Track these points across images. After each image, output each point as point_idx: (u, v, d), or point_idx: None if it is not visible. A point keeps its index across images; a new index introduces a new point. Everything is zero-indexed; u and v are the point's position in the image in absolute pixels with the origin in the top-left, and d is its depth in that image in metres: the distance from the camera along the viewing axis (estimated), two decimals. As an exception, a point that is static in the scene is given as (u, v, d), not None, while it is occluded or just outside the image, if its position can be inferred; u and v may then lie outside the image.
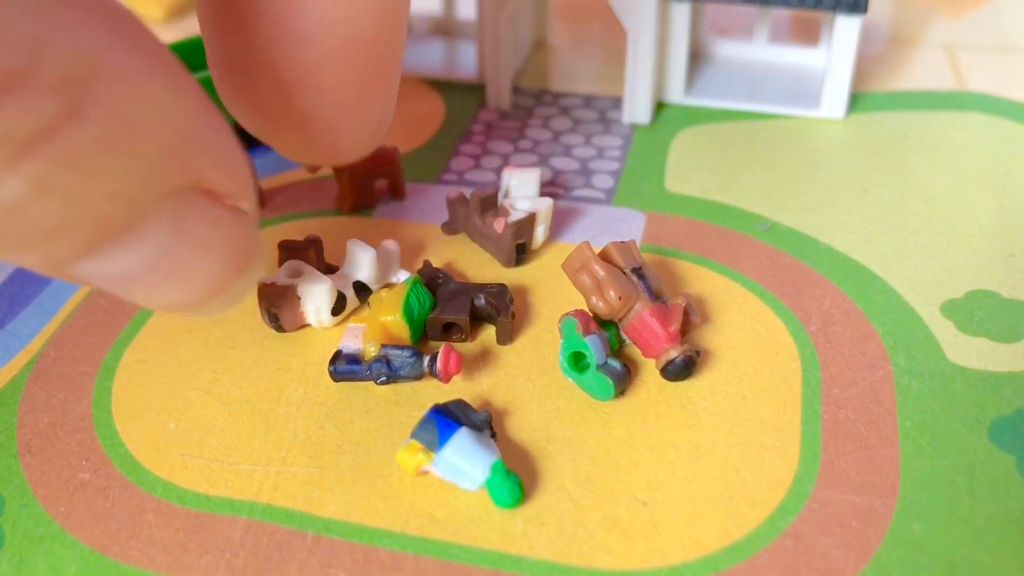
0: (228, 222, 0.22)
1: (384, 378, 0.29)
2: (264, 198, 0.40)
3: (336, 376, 0.30)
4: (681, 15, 0.44)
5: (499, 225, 0.34)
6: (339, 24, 0.24)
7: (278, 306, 0.32)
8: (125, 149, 0.19)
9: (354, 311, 0.33)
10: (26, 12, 0.17)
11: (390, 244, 0.34)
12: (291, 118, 0.25)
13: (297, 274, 0.33)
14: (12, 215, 0.18)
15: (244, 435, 0.29)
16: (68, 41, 0.18)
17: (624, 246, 0.32)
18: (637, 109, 0.45)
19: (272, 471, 0.28)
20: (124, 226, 0.20)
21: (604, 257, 0.31)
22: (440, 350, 0.29)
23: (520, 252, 0.35)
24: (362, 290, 0.33)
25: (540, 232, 0.35)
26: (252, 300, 0.35)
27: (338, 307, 0.32)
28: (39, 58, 0.17)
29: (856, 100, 0.47)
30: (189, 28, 0.56)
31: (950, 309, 0.33)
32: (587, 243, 0.31)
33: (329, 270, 0.33)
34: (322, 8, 0.24)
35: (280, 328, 0.32)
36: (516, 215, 0.35)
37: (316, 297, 0.32)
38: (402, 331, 0.30)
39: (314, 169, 0.38)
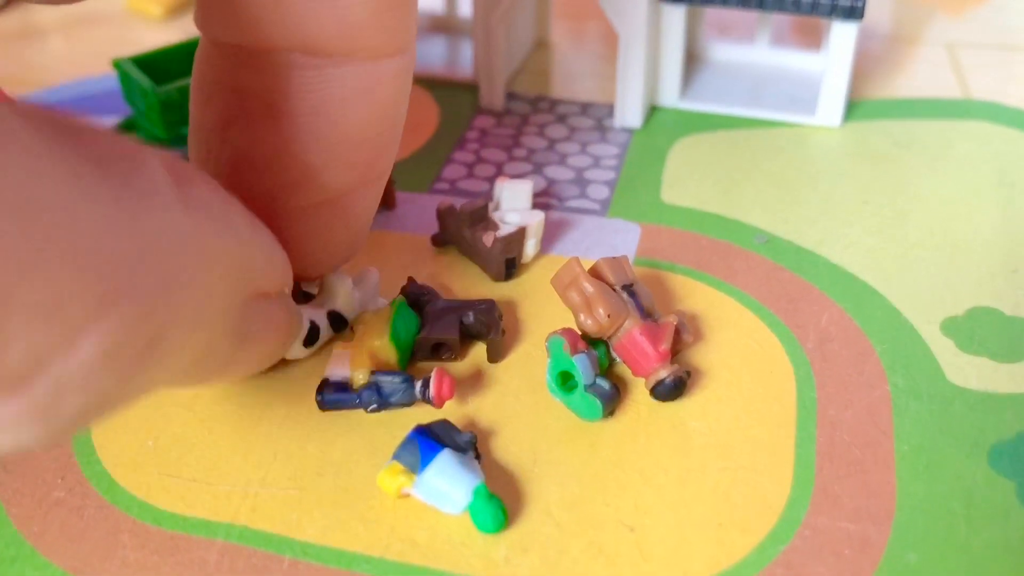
0: (276, 311, 0.25)
1: (375, 406, 0.29)
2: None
3: (324, 406, 0.29)
4: (675, 17, 0.43)
5: (488, 239, 0.33)
6: (352, 127, 0.27)
7: None
8: (196, 327, 0.20)
9: (329, 342, 0.32)
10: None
11: (371, 273, 0.33)
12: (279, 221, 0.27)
13: None
14: (112, 406, 0.18)
15: (224, 454, 0.29)
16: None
17: (615, 262, 0.31)
18: (628, 113, 0.44)
19: (251, 492, 0.27)
20: (211, 352, 0.22)
21: (594, 273, 0.31)
22: (432, 374, 0.29)
23: (510, 267, 0.34)
24: (337, 321, 0.31)
25: (530, 246, 0.35)
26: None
27: (310, 338, 0.31)
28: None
29: (857, 107, 0.46)
30: (188, 27, 0.55)
31: (951, 327, 0.32)
32: (576, 259, 0.30)
33: (304, 298, 0.32)
34: (339, 111, 0.26)
35: None
36: (506, 229, 0.34)
37: None
38: (390, 356, 0.30)
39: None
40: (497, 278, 0.34)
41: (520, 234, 0.34)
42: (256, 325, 0.24)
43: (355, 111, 0.26)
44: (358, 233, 0.30)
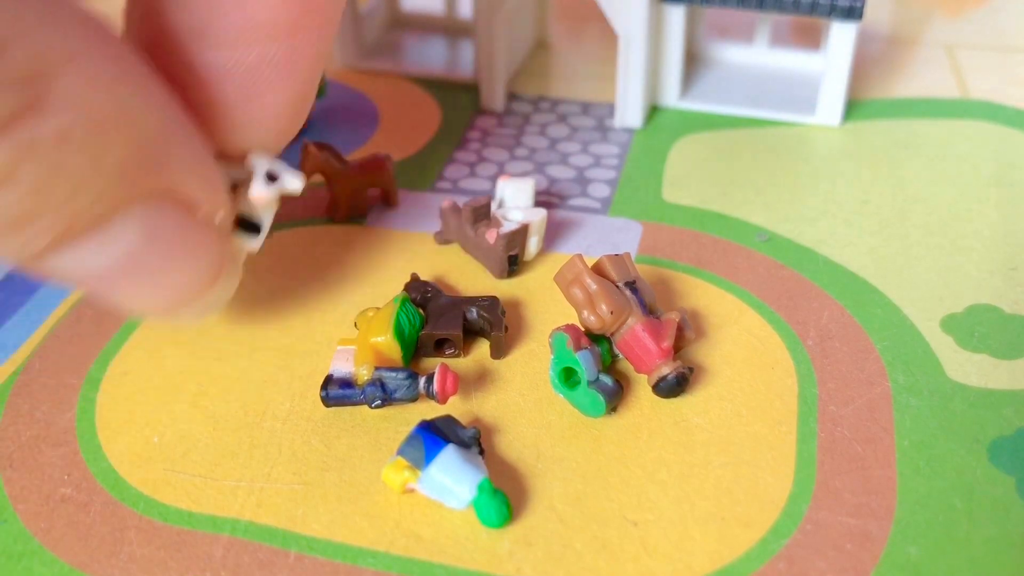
0: (200, 232, 0.23)
1: (379, 402, 0.29)
2: (256, 206, 0.39)
3: (328, 402, 0.29)
4: (675, 18, 0.44)
5: (491, 236, 0.34)
6: None
7: None
8: (89, 146, 0.20)
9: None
10: None
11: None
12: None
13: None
14: None
15: (229, 450, 0.29)
16: (29, 40, 0.18)
17: (618, 259, 0.31)
18: (629, 113, 0.44)
19: (256, 487, 0.28)
20: (92, 222, 0.21)
21: (597, 270, 0.31)
22: (436, 370, 0.29)
23: (512, 264, 0.34)
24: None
25: (533, 244, 0.35)
26: (239, 310, 0.34)
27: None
28: (3, 50, 0.18)
29: (857, 106, 0.46)
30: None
31: (950, 324, 0.33)
32: (580, 255, 0.30)
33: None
34: None
35: None
36: (509, 226, 0.34)
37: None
38: (393, 352, 0.30)
39: (304, 176, 0.38)
40: (500, 275, 0.35)
41: (523, 231, 0.34)
42: (168, 229, 0.22)
43: None
44: (302, 93, 0.25)
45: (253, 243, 0.26)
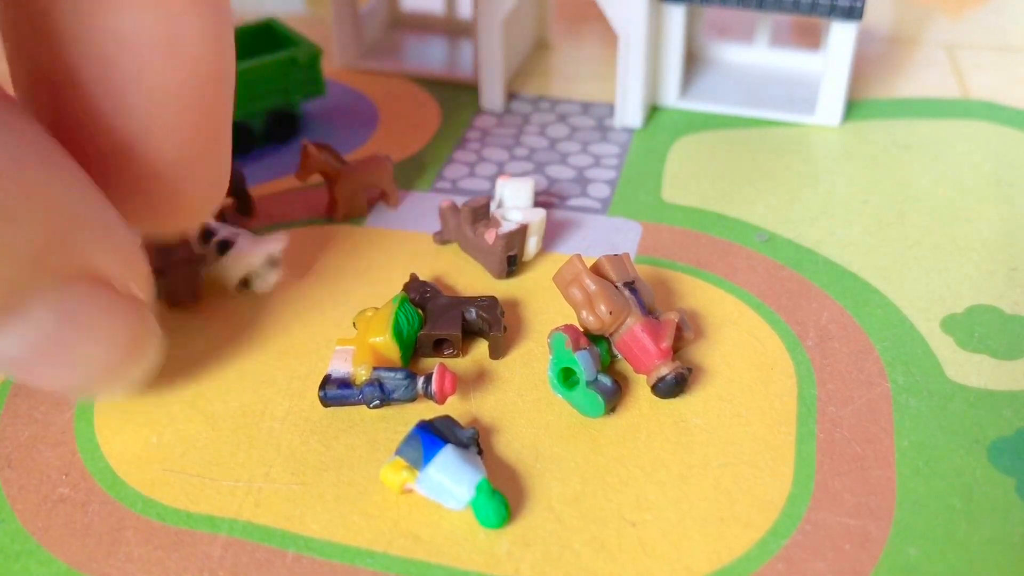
0: (119, 308, 0.22)
1: (377, 402, 0.29)
2: (253, 206, 0.39)
3: (327, 402, 0.29)
4: (675, 17, 0.44)
5: (490, 236, 0.34)
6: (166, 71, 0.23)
7: None
8: None
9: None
10: None
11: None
12: (121, 171, 0.24)
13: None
14: None
15: (227, 450, 0.29)
16: None
17: (617, 259, 0.31)
18: (629, 113, 0.44)
19: (254, 487, 0.28)
20: (4, 310, 0.20)
21: (596, 271, 0.31)
22: (435, 371, 0.29)
23: (511, 264, 0.34)
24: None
25: (532, 244, 0.35)
26: (237, 311, 0.34)
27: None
28: None
29: (857, 107, 0.46)
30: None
31: (950, 324, 0.33)
32: (578, 256, 0.30)
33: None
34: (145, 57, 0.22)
35: None
36: (508, 226, 0.34)
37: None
38: (392, 352, 0.30)
39: (303, 176, 0.38)
40: (499, 275, 0.35)
41: (522, 231, 0.34)
42: (84, 309, 0.21)
43: (155, 68, 0.22)
44: (211, 193, 0.26)
45: (263, 288, 0.31)
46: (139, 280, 0.23)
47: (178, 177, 0.24)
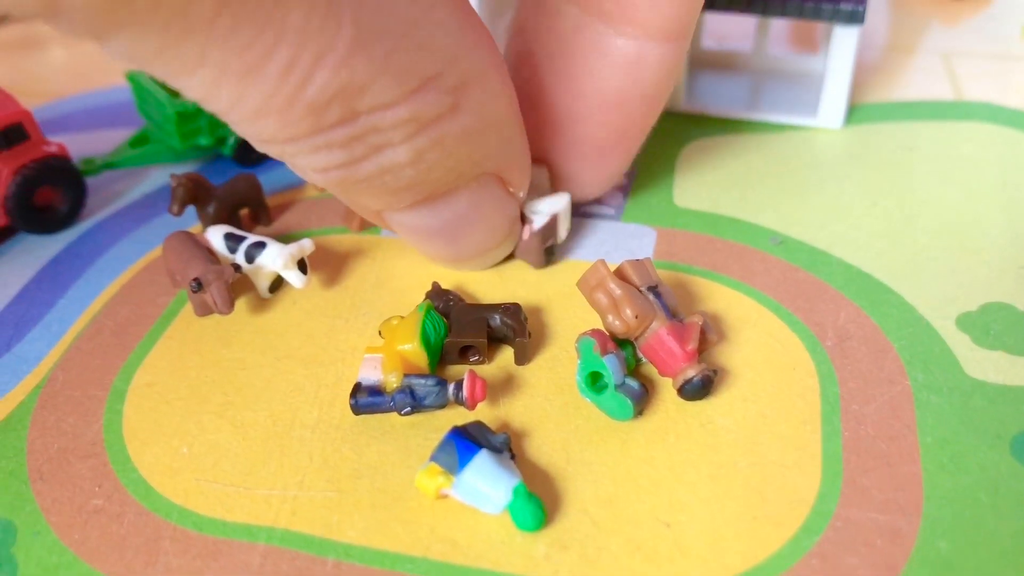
0: (508, 205, 0.31)
1: (408, 409, 0.29)
2: (270, 215, 0.39)
3: (358, 409, 0.29)
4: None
5: (525, 233, 0.35)
6: (614, 106, 0.33)
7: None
8: (473, 142, 0.27)
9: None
10: (448, 35, 0.25)
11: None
12: (563, 158, 0.35)
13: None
14: (390, 172, 0.26)
15: (259, 459, 0.29)
16: (466, 57, 0.26)
17: (639, 264, 0.31)
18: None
19: (289, 496, 0.28)
20: (444, 193, 0.28)
21: (619, 275, 0.31)
22: (465, 376, 0.29)
23: (549, 254, 0.36)
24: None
25: (563, 230, 0.36)
26: (260, 320, 0.34)
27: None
28: (449, 67, 0.25)
29: (859, 111, 0.47)
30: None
31: (965, 322, 0.33)
32: (602, 261, 0.30)
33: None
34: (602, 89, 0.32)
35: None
36: (539, 220, 0.35)
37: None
38: (420, 359, 0.30)
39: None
40: (539, 265, 0.36)
41: (553, 222, 0.35)
42: (487, 200, 0.29)
43: (620, 81, 0.31)
44: (607, 179, 0.36)
45: (298, 285, 0.34)
46: (524, 186, 0.32)
47: (591, 157, 0.34)
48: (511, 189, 0.30)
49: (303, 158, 0.26)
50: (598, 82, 0.31)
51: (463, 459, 0.27)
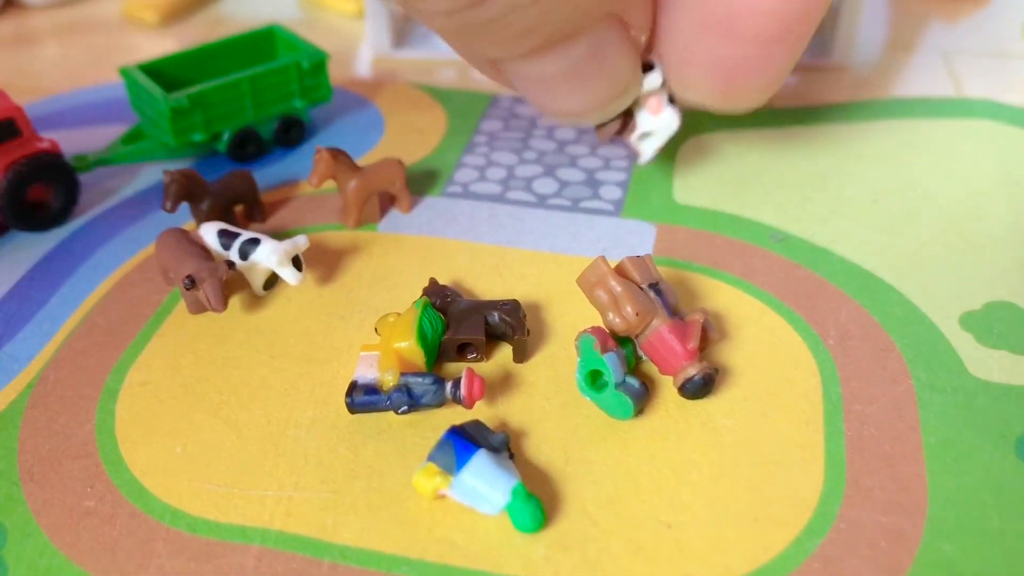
0: (629, 53, 0.28)
1: (405, 407, 0.29)
2: (266, 212, 0.39)
3: (354, 408, 0.29)
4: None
5: (632, 137, 0.33)
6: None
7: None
8: None
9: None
10: None
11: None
12: (714, 65, 0.29)
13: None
14: (514, 11, 0.25)
15: (254, 459, 0.28)
16: None
17: (640, 261, 0.31)
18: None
19: (284, 496, 0.27)
20: (563, 38, 0.26)
21: (620, 273, 0.31)
22: (463, 375, 0.29)
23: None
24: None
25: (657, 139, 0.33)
26: (254, 317, 0.34)
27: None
28: None
29: (858, 107, 0.46)
30: (184, 34, 0.55)
31: (968, 321, 0.33)
32: (603, 258, 0.30)
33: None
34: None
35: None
36: (647, 146, 0.33)
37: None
38: (417, 357, 0.30)
39: (317, 182, 0.37)
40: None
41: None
42: (607, 46, 0.27)
43: None
44: (769, 84, 0.30)
45: (293, 282, 0.34)
46: (646, 30, 0.28)
47: (752, 55, 0.28)
48: (632, 32, 0.28)
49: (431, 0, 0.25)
50: None
51: (461, 459, 0.26)
